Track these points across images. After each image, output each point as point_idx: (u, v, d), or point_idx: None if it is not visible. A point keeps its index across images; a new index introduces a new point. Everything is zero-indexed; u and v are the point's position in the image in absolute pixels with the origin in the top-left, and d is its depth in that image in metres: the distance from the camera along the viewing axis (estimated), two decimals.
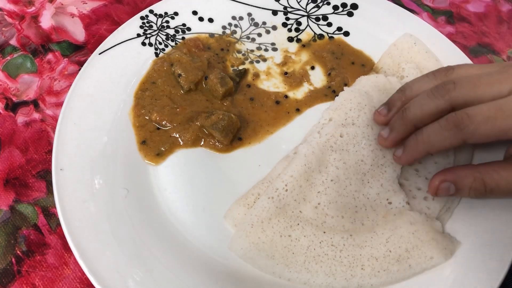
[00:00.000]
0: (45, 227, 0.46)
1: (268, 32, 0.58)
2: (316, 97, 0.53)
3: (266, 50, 0.57)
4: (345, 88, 0.51)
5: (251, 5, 0.59)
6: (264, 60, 0.56)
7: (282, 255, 0.41)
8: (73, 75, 0.56)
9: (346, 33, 0.58)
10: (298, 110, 0.52)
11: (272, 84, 0.54)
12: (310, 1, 0.60)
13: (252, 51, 0.57)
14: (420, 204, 0.44)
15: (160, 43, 0.55)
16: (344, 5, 0.59)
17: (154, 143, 0.49)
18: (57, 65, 0.57)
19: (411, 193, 0.44)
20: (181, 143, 0.49)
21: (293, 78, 0.54)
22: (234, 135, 0.49)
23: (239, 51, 0.56)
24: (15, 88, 0.55)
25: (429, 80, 0.42)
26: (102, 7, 0.63)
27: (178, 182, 0.47)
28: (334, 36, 0.58)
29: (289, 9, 0.60)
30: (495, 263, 0.40)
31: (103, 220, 0.43)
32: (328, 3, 0.60)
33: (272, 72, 0.55)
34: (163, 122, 0.50)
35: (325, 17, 0.59)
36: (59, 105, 0.53)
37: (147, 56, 0.54)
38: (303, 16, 0.59)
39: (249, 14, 0.59)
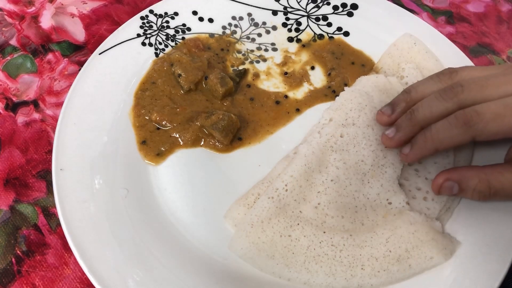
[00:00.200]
0: (45, 227, 0.46)
1: (268, 32, 0.58)
2: (316, 97, 0.53)
3: (266, 50, 0.57)
4: (345, 88, 0.51)
5: (251, 5, 0.59)
6: (264, 60, 0.56)
7: (282, 255, 0.41)
8: (73, 75, 0.56)
9: (346, 33, 0.58)
10: (298, 110, 0.52)
11: (272, 84, 0.54)
12: (310, 1, 0.60)
13: (252, 51, 0.57)
14: (420, 204, 0.44)
15: (160, 43, 0.56)
16: (344, 5, 0.59)
17: (154, 143, 0.49)
18: (57, 65, 0.57)
19: (411, 193, 0.44)
20: (181, 143, 0.49)
21: (293, 78, 0.54)
22: (234, 135, 0.49)
23: (239, 51, 0.56)
24: (15, 88, 0.55)
25: (434, 82, 0.43)
26: (102, 7, 0.63)
27: (178, 182, 0.47)
28: (334, 36, 0.58)
29: (289, 9, 0.60)
30: (495, 263, 0.40)
31: (103, 220, 0.43)
32: (328, 3, 0.60)
33: (272, 72, 0.55)
34: (163, 122, 0.50)
35: (325, 17, 0.59)
36: (59, 105, 0.53)
37: (147, 56, 0.54)
38: (303, 16, 0.59)
39: (249, 14, 0.59)
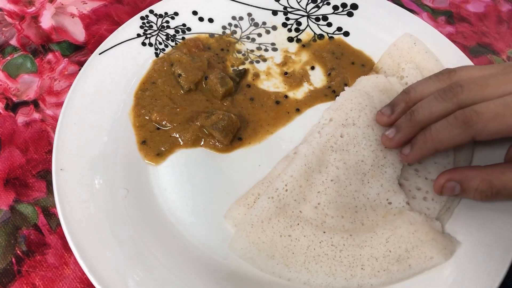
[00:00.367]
0: (45, 227, 0.46)
1: (268, 32, 0.58)
2: (316, 97, 0.53)
3: (266, 50, 0.57)
4: (345, 88, 0.51)
5: (251, 5, 0.59)
6: (264, 60, 0.56)
7: (282, 255, 0.41)
8: (73, 75, 0.56)
9: (346, 33, 0.58)
10: (298, 110, 0.52)
11: (272, 84, 0.54)
12: (310, 1, 0.60)
13: (252, 51, 0.57)
14: (420, 204, 0.44)
15: (160, 43, 0.56)
16: (344, 5, 0.59)
17: (154, 143, 0.49)
18: (57, 65, 0.57)
19: (411, 193, 0.44)
20: (181, 143, 0.49)
21: (293, 78, 0.54)
22: (234, 135, 0.49)
23: (239, 51, 0.56)
24: (15, 88, 0.55)
25: (433, 82, 0.43)
26: (102, 7, 0.63)
27: (178, 182, 0.47)
28: (334, 36, 0.58)
29: (289, 9, 0.60)
30: (495, 263, 0.40)
31: (103, 220, 0.43)
32: (328, 3, 0.60)
33: (272, 72, 0.55)
34: (163, 122, 0.50)
35: (325, 17, 0.59)
36: (59, 105, 0.53)
37: (147, 56, 0.54)
38: (303, 16, 0.59)
39: (249, 14, 0.59)
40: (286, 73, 0.55)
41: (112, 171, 0.46)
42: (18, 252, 0.45)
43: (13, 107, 0.54)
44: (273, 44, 0.57)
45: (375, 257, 0.41)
